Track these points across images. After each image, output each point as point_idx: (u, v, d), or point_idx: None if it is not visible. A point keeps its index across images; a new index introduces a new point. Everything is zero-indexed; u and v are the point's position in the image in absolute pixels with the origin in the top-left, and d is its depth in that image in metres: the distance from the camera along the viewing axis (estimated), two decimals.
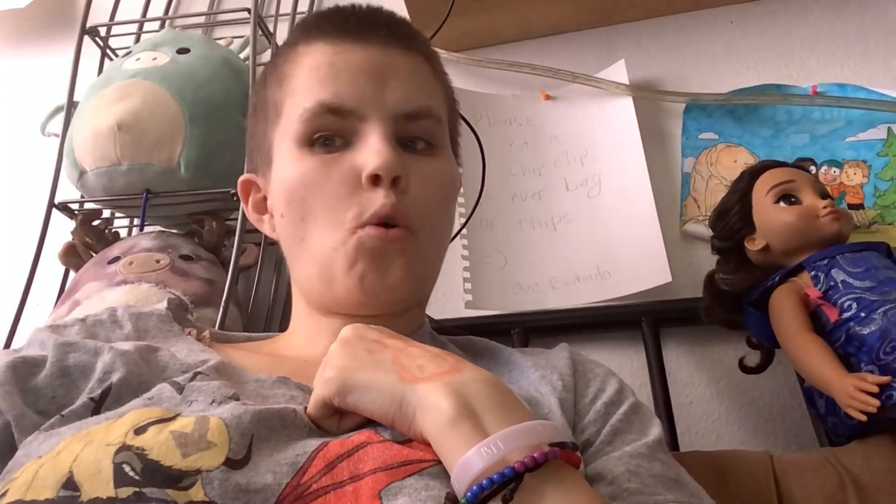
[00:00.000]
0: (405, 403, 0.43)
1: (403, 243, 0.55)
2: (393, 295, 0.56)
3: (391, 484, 0.39)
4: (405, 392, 0.43)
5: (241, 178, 0.65)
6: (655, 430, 0.54)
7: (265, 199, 0.63)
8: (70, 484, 0.37)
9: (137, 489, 0.37)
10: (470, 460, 0.39)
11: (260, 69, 0.83)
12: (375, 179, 0.54)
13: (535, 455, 0.39)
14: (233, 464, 0.39)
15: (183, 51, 1.02)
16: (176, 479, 0.37)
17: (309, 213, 0.56)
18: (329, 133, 0.56)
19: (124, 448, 0.38)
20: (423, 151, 0.59)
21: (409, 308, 0.60)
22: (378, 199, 0.54)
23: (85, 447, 0.39)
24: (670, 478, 0.49)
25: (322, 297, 0.58)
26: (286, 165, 0.58)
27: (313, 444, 0.42)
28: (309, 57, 0.59)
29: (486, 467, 0.38)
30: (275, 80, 0.62)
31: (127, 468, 0.37)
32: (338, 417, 0.46)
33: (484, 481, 0.38)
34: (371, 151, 0.55)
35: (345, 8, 0.62)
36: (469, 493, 0.38)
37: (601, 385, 0.57)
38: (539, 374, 0.56)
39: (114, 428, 0.40)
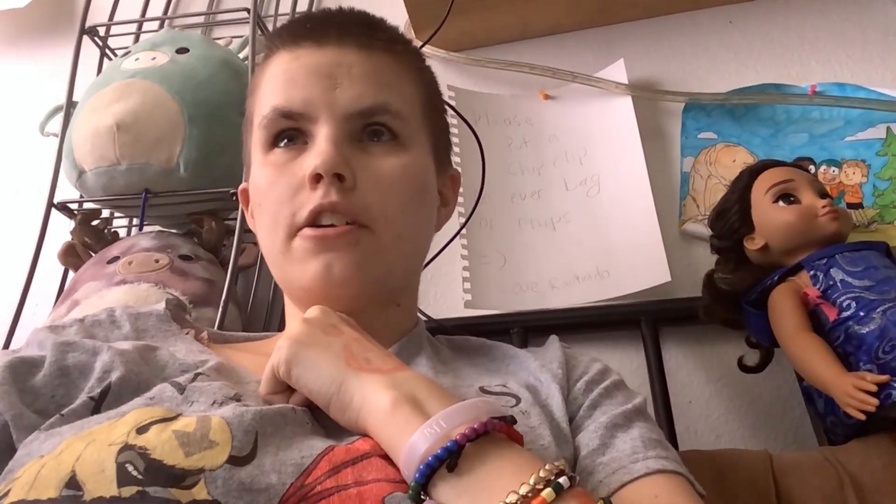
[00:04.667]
0: (344, 389, 0.44)
1: (352, 237, 0.55)
2: (343, 290, 0.55)
3: (395, 493, 0.40)
4: (347, 377, 0.45)
5: (241, 186, 0.68)
6: (637, 400, 0.55)
7: None
8: (73, 483, 0.37)
9: (141, 488, 0.37)
10: (415, 443, 0.40)
11: None
12: (317, 178, 0.54)
13: (475, 426, 0.40)
14: (237, 461, 0.39)
15: (182, 51, 1.02)
16: (179, 478, 0.37)
17: (260, 217, 0.59)
18: (286, 134, 0.58)
19: (127, 447, 0.38)
20: (384, 147, 0.58)
21: (385, 305, 0.59)
22: (315, 199, 0.54)
23: (87, 447, 0.39)
24: (652, 438, 0.50)
25: (295, 299, 0.60)
26: (254, 172, 0.60)
27: (319, 446, 0.42)
28: (271, 66, 0.61)
29: (430, 446, 0.40)
30: (250, 92, 0.65)
31: (130, 467, 0.38)
32: (288, 394, 0.48)
33: (430, 458, 0.39)
34: (315, 152, 0.55)
35: (309, 13, 0.64)
36: (417, 474, 0.39)
37: (585, 368, 0.58)
38: (539, 363, 0.58)
39: (116, 427, 0.40)
